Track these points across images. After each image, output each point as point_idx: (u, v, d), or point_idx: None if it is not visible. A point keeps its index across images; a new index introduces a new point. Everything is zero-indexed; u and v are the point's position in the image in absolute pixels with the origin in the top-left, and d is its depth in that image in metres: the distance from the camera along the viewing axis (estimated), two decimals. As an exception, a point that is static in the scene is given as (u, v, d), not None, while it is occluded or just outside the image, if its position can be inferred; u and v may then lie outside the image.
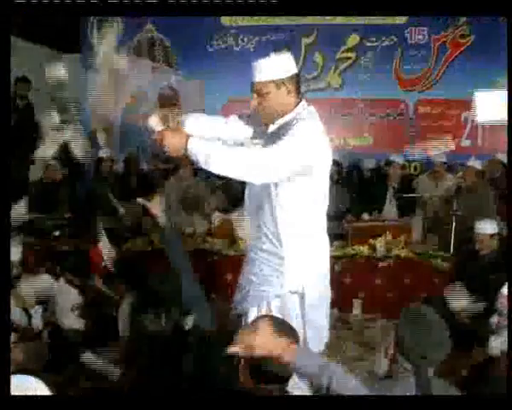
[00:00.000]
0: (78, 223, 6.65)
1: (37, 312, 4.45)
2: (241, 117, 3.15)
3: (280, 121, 2.86)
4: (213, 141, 2.79)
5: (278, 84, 2.78)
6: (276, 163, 2.65)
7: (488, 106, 6.74)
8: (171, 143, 2.64)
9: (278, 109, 2.84)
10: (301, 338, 2.91)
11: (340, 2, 3.43)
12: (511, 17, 3.39)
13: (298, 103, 2.86)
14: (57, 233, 6.42)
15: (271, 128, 2.90)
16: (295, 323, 2.88)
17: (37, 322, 4.41)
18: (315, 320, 2.98)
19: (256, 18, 8.24)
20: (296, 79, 2.86)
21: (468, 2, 3.31)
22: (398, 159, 7.00)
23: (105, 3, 3.26)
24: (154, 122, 2.82)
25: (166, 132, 2.67)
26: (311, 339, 2.97)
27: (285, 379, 2.23)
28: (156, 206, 2.97)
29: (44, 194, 6.76)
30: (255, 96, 2.84)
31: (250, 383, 2.21)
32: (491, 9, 3.38)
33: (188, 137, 2.62)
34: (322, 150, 2.82)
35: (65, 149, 3.55)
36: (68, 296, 4.55)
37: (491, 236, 4.85)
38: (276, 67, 2.79)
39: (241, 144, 3.10)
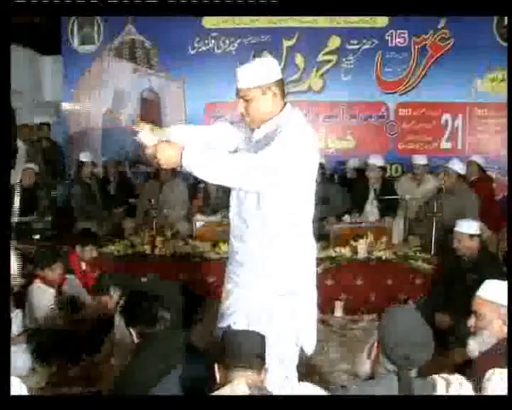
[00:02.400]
0: (59, 226, 6.62)
1: (17, 316, 4.40)
2: (225, 123, 3.13)
3: (267, 126, 2.85)
4: (206, 151, 2.74)
5: (264, 89, 2.78)
6: (271, 169, 2.63)
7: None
8: (166, 157, 2.61)
9: (265, 114, 2.83)
10: (294, 341, 2.94)
11: (339, 1, 3.43)
12: (511, 16, 3.43)
13: (283, 107, 2.87)
14: (37, 237, 6.37)
15: (258, 133, 2.89)
16: (286, 326, 2.89)
17: (18, 326, 4.37)
18: (306, 322, 2.98)
19: (237, 20, 8.24)
20: (281, 83, 2.86)
21: (470, 2, 3.31)
22: (376, 161, 7.01)
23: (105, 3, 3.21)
24: (147, 136, 2.76)
25: (160, 146, 2.63)
26: (302, 341, 2.99)
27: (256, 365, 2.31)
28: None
29: (24, 197, 6.70)
30: (241, 101, 2.83)
31: (225, 377, 2.33)
32: (492, 8, 3.40)
33: (182, 149, 2.60)
34: (311, 153, 2.82)
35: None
36: (44, 296, 4.51)
37: (471, 236, 4.87)
38: (262, 72, 2.79)
39: (230, 151, 3.08)
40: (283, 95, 2.88)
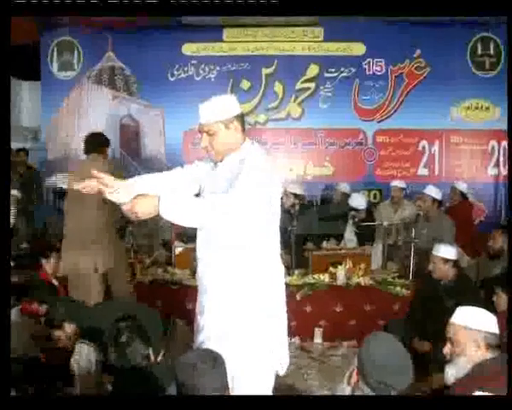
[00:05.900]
0: (36, 254, 6.52)
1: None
2: (186, 168, 3.20)
3: (229, 159, 2.96)
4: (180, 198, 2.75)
5: (227, 123, 2.91)
6: (244, 205, 2.69)
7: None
8: (143, 210, 2.64)
9: (227, 147, 2.95)
10: (269, 368, 2.93)
11: (340, 1, 3.47)
12: (511, 17, 3.51)
13: (243, 141, 2.99)
14: (12, 264, 6.27)
15: (221, 167, 2.99)
16: (259, 355, 2.89)
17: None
18: (278, 345, 3.01)
19: (217, 48, 8.31)
20: (241, 118, 3.00)
21: (469, 3, 3.36)
22: (358, 203, 6.97)
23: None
24: (121, 195, 2.82)
25: (136, 201, 2.65)
26: (275, 363, 3.01)
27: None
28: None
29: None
30: (205, 136, 2.95)
31: None
32: (491, 8, 3.44)
33: (158, 199, 2.62)
34: (274, 184, 2.91)
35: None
36: (19, 326, 4.42)
37: (446, 260, 4.89)
38: (224, 107, 2.93)
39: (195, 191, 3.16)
40: (244, 129, 3.02)
